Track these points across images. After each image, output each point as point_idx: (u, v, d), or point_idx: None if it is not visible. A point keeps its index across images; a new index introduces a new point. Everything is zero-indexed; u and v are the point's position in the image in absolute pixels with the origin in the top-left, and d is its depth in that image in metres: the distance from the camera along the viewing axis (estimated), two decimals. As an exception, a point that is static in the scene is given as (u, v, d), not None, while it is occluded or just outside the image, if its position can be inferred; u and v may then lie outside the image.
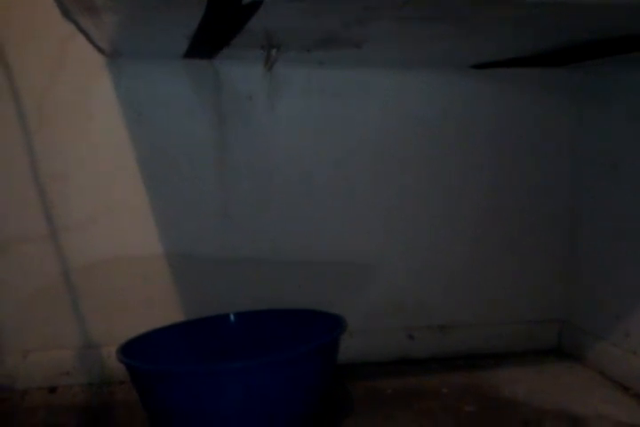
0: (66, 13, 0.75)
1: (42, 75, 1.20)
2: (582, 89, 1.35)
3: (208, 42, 0.86)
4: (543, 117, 1.38)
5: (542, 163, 1.39)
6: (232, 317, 1.16)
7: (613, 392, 1.18)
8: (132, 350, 0.99)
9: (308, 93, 1.30)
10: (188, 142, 1.27)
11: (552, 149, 1.39)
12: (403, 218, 1.36)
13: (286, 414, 0.88)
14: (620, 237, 1.25)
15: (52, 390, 1.30)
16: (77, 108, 1.23)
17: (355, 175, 1.34)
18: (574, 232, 1.39)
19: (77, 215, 1.29)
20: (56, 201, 1.28)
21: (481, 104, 1.35)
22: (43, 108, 1.21)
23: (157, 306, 1.32)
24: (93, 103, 1.23)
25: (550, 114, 1.38)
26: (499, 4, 0.64)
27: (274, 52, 0.96)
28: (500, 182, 1.38)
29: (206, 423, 0.85)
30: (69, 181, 1.27)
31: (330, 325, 0.99)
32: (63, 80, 1.21)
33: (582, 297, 1.37)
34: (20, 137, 1.22)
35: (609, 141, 1.28)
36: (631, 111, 1.21)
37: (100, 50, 1.11)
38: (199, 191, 1.30)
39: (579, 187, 1.37)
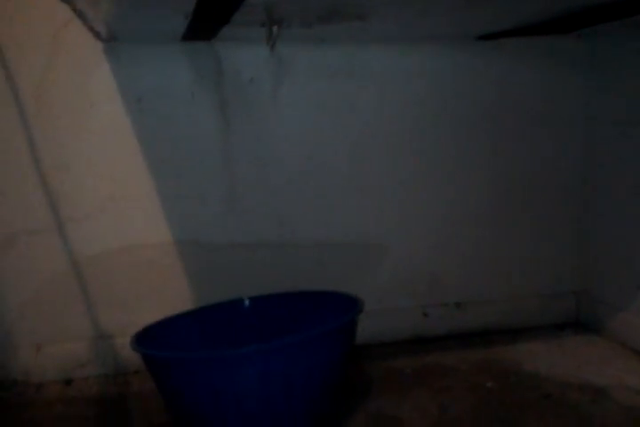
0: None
1: (38, 63, 1.17)
2: (593, 57, 1.32)
3: (208, 18, 0.84)
4: (555, 87, 1.35)
5: (555, 133, 1.37)
6: (246, 301, 1.14)
7: (635, 363, 1.16)
8: (146, 338, 0.98)
9: (311, 74, 1.27)
10: (190, 128, 1.25)
11: (564, 119, 1.36)
12: (414, 196, 1.34)
13: (304, 397, 0.87)
14: (637, 203, 1.22)
15: (68, 382, 1.29)
16: (76, 96, 1.20)
17: (363, 155, 1.32)
18: (589, 201, 1.37)
19: (83, 206, 1.27)
20: (60, 192, 1.26)
21: (490, 76, 1.33)
22: (41, 98, 1.19)
23: (168, 294, 1.31)
24: (93, 91, 1.20)
25: (562, 83, 1.35)
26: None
27: (275, 28, 0.94)
28: (512, 155, 1.36)
29: (223, 408, 0.84)
30: (72, 171, 1.26)
31: (346, 305, 0.97)
32: (60, 68, 1.18)
33: (600, 268, 1.35)
34: (19, 128, 1.20)
35: (622, 108, 1.25)
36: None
37: (96, 34, 1.09)
38: (204, 177, 1.28)
39: (592, 155, 1.35)
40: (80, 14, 0.86)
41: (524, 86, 1.34)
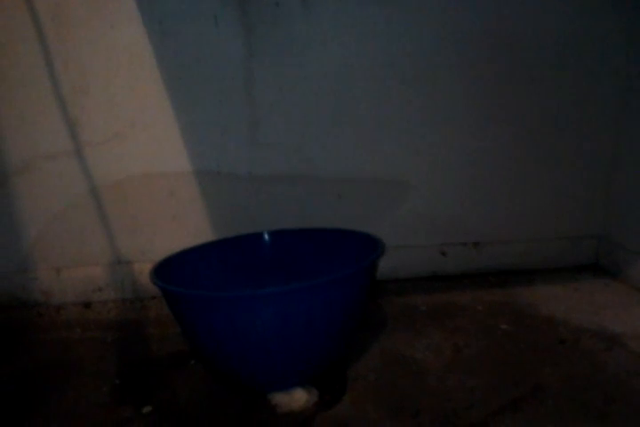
0: None
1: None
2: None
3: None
4: (591, 23, 1.27)
5: (588, 73, 1.30)
6: (266, 235, 1.13)
7: (652, 310, 1.16)
8: (166, 269, 0.97)
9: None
10: (213, 53, 1.21)
11: (597, 61, 1.29)
12: (439, 134, 1.30)
13: (323, 337, 0.87)
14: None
15: (87, 305, 1.32)
16: (96, 18, 1.16)
17: (391, 88, 1.27)
18: (618, 145, 1.32)
19: (102, 131, 1.26)
20: (79, 117, 1.24)
21: (526, 12, 1.25)
22: (59, 19, 1.15)
23: (187, 223, 1.31)
24: (113, 12, 1.15)
25: (600, 18, 1.27)
26: None
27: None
28: (540, 95, 1.30)
29: (243, 345, 0.85)
30: (92, 95, 1.23)
31: (368, 246, 0.96)
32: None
33: (622, 213, 1.32)
34: (37, 50, 1.17)
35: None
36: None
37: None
38: (226, 106, 1.25)
39: (626, 100, 1.29)
40: None
41: (561, 24, 1.26)
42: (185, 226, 1.31)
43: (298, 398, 0.90)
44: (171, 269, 0.99)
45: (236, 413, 0.89)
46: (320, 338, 0.87)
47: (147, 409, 0.91)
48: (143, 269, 1.32)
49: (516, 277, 1.33)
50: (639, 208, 1.26)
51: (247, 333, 0.83)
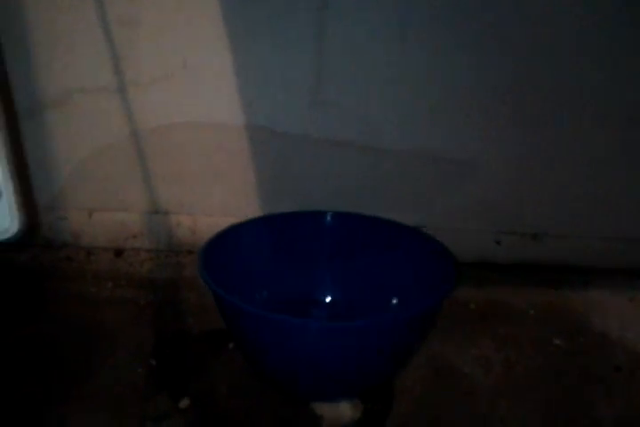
0: None
1: None
2: None
3: None
4: None
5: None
6: (329, 217, 1.03)
7: None
8: (213, 251, 0.90)
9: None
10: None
11: None
12: (507, 115, 1.17)
13: (384, 363, 0.82)
14: None
15: (118, 253, 1.26)
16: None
17: (458, 60, 1.12)
18: None
19: (149, 70, 1.15)
20: (125, 51, 1.13)
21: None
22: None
23: (230, 181, 1.23)
24: None
25: None
26: None
27: None
28: (620, 86, 1.15)
29: (289, 361, 0.79)
30: (141, 28, 1.11)
31: (439, 264, 0.89)
32: None
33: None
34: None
35: None
36: None
37: None
38: (290, 57, 1.12)
39: None
40: None
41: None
42: (228, 184, 1.22)
43: (344, 413, 0.87)
44: (215, 249, 0.91)
45: (279, 419, 0.86)
46: (379, 364, 0.82)
47: (184, 403, 0.87)
48: (181, 222, 1.25)
49: (569, 277, 1.25)
50: None
51: (298, 353, 0.78)
